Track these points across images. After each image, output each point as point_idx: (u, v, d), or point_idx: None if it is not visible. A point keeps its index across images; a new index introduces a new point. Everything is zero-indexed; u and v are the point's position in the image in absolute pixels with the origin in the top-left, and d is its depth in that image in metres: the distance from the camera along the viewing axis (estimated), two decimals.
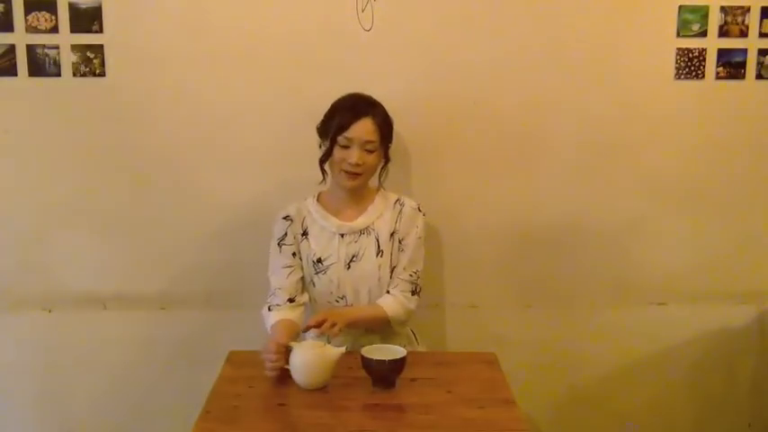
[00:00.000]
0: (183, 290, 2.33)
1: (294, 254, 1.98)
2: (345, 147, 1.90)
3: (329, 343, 1.78)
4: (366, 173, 1.94)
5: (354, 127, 1.89)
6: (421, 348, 2.09)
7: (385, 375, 1.69)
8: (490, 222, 2.32)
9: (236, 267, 2.31)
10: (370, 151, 1.91)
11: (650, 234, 2.35)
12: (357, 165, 1.90)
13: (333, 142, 1.90)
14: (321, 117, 2.19)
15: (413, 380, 1.73)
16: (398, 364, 1.68)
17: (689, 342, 2.43)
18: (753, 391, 2.49)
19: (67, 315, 2.33)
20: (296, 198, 2.03)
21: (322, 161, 1.95)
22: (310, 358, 1.68)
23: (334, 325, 1.75)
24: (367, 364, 1.68)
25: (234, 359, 1.87)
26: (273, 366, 1.71)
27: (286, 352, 1.72)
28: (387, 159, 2.01)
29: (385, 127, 1.95)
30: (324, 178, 1.99)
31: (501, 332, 2.36)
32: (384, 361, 1.67)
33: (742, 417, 2.50)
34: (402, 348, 1.72)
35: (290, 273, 1.96)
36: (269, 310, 1.94)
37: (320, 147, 2.00)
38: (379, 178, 2.03)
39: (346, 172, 1.91)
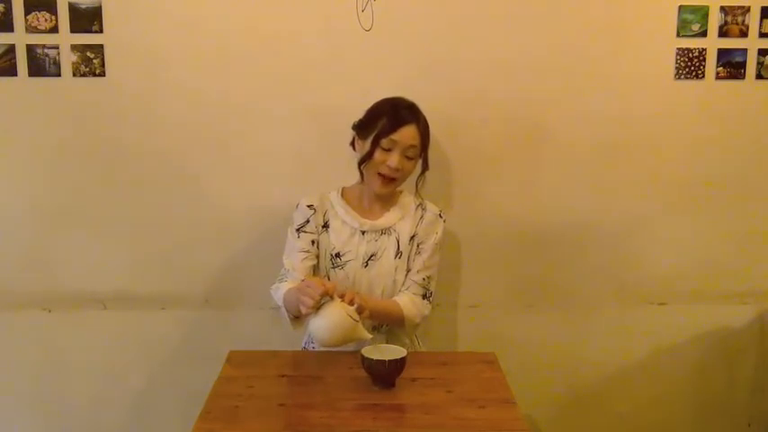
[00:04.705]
0: (183, 290, 2.33)
1: (313, 242, 1.97)
2: (387, 150, 1.90)
3: None
4: (400, 179, 1.95)
5: (400, 131, 1.89)
6: (421, 348, 2.09)
7: (385, 375, 1.69)
8: (490, 222, 2.32)
9: (236, 267, 2.31)
10: (410, 158, 1.93)
11: (650, 234, 2.36)
12: (396, 170, 1.90)
13: (375, 144, 1.90)
14: (320, 117, 2.21)
15: (413, 380, 1.73)
16: (398, 364, 1.68)
17: (689, 342, 2.43)
18: (753, 391, 2.49)
19: (67, 315, 2.33)
20: (295, 198, 2.03)
21: (361, 162, 1.94)
22: (348, 323, 1.65)
23: (362, 310, 1.73)
24: (367, 364, 1.68)
25: (234, 359, 1.87)
26: (315, 305, 1.66)
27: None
28: (425, 167, 2.02)
29: (426, 135, 1.97)
30: (362, 179, 1.98)
31: (501, 332, 2.36)
32: (384, 361, 1.66)
33: (742, 417, 2.50)
34: (402, 348, 1.72)
35: (305, 258, 1.96)
36: (280, 283, 1.92)
37: (351, 144, 2.01)
38: (417, 185, 2.04)
39: (382, 176, 1.92)
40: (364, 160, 1.93)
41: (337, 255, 1.96)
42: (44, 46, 2.16)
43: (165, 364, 2.37)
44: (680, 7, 2.21)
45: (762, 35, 2.24)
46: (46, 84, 2.18)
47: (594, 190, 2.32)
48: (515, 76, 2.23)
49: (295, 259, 1.95)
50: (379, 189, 1.95)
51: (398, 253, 1.97)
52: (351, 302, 1.70)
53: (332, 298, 1.68)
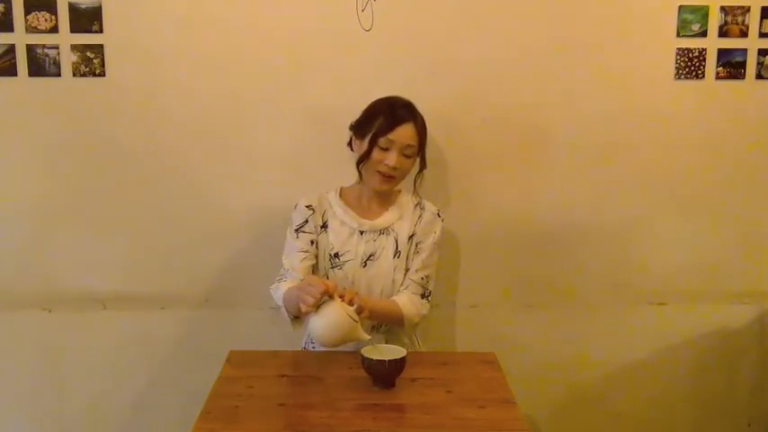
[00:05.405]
0: (183, 290, 2.33)
1: (312, 242, 1.97)
2: (385, 149, 1.90)
3: None
4: (399, 177, 1.96)
5: (398, 130, 1.89)
6: (421, 348, 2.09)
7: (385, 375, 1.69)
8: (490, 222, 2.32)
9: (236, 267, 2.31)
10: (408, 156, 1.93)
11: (650, 234, 2.36)
12: (394, 168, 1.91)
13: (372, 143, 1.91)
14: (320, 117, 2.21)
15: (413, 380, 1.73)
16: (398, 364, 1.68)
17: (689, 342, 2.43)
18: (753, 391, 2.49)
19: (67, 315, 2.33)
20: (295, 198, 2.03)
21: (359, 162, 1.95)
22: (347, 324, 1.65)
23: (362, 310, 1.73)
24: (367, 364, 1.68)
25: (234, 359, 1.87)
26: (315, 303, 1.65)
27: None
28: (423, 165, 2.02)
29: (423, 133, 1.97)
30: (360, 179, 1.99)
31: (501, 332, 2.36)
32: (384, 361, 1.67)
33: (742, 417, 2.50)
34: (402, 348, 1.72)
35: (305, 258, 1.95)
36: (280, 282, 1.92)
37: (349, 144, 2.01)
38: (414, 184, 2.04)
39: (381, 174, 1.92)
40: (362, 160, 1.94)
41: (336, 255, 1.96)
42: (44, 46, 2.16)
43: (165, 364, 2.37)
44: (680, 7, 2.21)
45: (762, 35, 2.24)
46: (46, 84, 2.18)
47: (594, 190, 2.32)
48: (515, 76, 2.23)
49: (294, 259, 1.95)
50: (379, 186, 1.95)
51: (397, 252, 1.97)
52: (350, 302, 1.70)
53: (332, 297, 1.68)
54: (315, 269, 1.98)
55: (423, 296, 1.98)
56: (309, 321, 1.70)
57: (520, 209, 2.32)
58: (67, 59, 2.17)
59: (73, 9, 2.14)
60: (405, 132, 1.90)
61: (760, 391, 2.49)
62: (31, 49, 2.16)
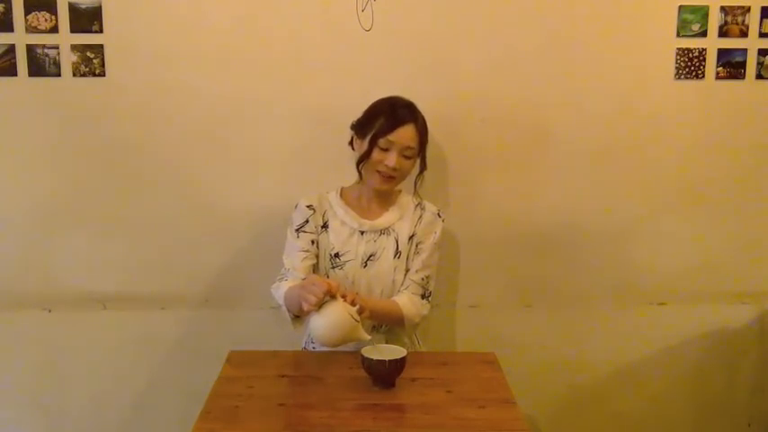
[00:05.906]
0: (183, 290, 2.33)
1: (313, 241, 1.97)
2: (385, 149, 1.90)
3: None
4: (400, 177, 1.96)
5: (398, 131, 1.89)
6: (421, 348, 2.09)
7: (385, 375, 1.69)
8: (489, 222, 2.32)
9: (236, 267, 2.31)
10: (408, 157, 1.93)
11: (650, 234, 2.36)
12: (394, 169, 1.91)
13: (372, 144, 1.91)
14: (320, 117, 2.21)
15: (413, 380, 1.73)
16: (398, 364, 1.68)
17: (689, 342, 2.43)
18: (753, 391, 2.49)
19: (67, 315, 2.33)
20: (295, 198, 2.03)
21: (359, 162, 1.95)
22: (348, 323, 1.65)
23: (363, 310, 1.73)
24: (367, 364, 1.68)
25: (234, 359, 1.87)
26: (317, 302, 1.65)
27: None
28: (423, 167, 2.02)
29: (424, 134, 1.97)
30: (360, 179, 1.99)
31: (501, 332, 2.36)
32: (384, 361, 1.67)
33: (742, 417, 2.50)
34: (402, 348, 1.72)
35: (305, 257, 1.95)
36: (281, 282, 1.91)
37: (350, 143, 2.01)
38: (415, 185, 2.04)
39: (381, 174, 1.92)
40: (362, 160, 1.94)
41: (336, 255, 1.96)
42: (44, 46, 2.16)
43: (165, 364, 2.37)
44: (680, 7, 2.21)
45: (762, 35, 2.24)
46: (46, 84, 2.18)
47: (594, 190, 2.32)
48: (515, 76, 2.23)
49: (295, 259, 1.95)
50: (379, 186, 1.95)
51: (397, 253, 1.97)
52: (352, 303, 1.70)
53: (334, 297, 1.68)
54: (315, 269, 1.99)
55: (423, 296, 1.99)
56: (310, 321, 1.70)
57: (520, 209, 2.32)
58: (67, 59, 2.17)
59: (73, 9, 2.14)
60: (405, 134, 1.90)
61: (760, 391, 2.49)
62: (31, 49, 2.16)
